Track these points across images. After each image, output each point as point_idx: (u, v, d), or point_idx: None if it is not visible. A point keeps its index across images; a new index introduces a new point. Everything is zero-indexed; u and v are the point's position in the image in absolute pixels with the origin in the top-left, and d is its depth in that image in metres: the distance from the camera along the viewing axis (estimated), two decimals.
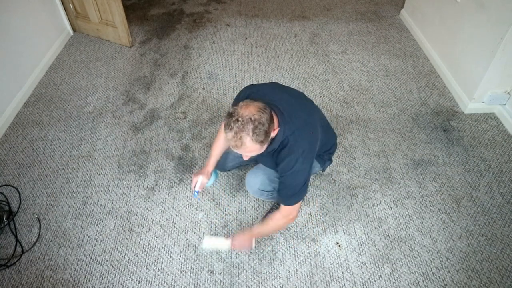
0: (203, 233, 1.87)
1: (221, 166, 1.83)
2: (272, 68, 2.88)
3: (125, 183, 2.10)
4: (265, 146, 1.29)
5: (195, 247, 1.81)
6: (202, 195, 2.02)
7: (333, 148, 1.74)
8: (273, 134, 1.30)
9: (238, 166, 1.95)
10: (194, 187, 1.67)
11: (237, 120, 1.18)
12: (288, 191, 1.41)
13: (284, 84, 1.59)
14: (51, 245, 1.84)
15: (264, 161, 1.61)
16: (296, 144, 1.34)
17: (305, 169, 1.38)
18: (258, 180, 1.62)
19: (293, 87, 2.85)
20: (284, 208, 1.46)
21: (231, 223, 1.90)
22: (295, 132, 1.34)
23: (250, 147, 1.22)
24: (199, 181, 1.66)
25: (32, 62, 2.78)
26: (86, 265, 1.76)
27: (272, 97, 1.40)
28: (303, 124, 1.38)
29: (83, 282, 1.70)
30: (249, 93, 1.46)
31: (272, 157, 1.44)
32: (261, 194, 1.65)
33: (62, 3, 3.15)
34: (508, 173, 2.07)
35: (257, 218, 1.92)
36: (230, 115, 1.22)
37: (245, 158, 1.37)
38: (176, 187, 2.08)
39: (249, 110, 1.20)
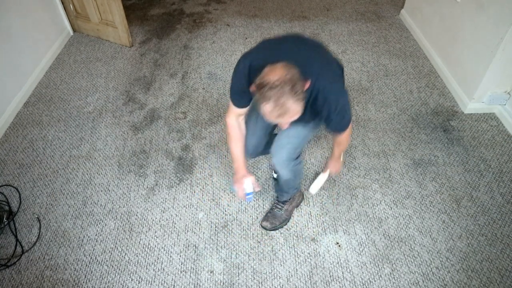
0: (309, 185, 1.95)
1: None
2: None
3: (125, 183, 2.10)
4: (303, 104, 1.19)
5: (195, 247, 1.81)
6: (202, 195, 2.02)
7: None
8: (306, 87, 1.19)
9: (261, 151, 1.80)
10: (244, 192, 1.57)
11: (272, 87, 1.08)
12: (344, 122, 1.39)
13: (273, 38, 1.47)
14: (51, 245, 1.84)
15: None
16: (327, 87, 1.26)
17: (345, 96, 1.33)
18: (284, 151, 1.57)
19: None
20: (344, 133, 1.46)
21: (231, 223, 1.90)
22: (319, 77, 1.24)
23: (294, 110, 1.13)
24: (247, 183, 1.55)
25: (32, 62, 2.78)
26: (86, 265, 1.76)
27: (276, 56, 1.25)
28: (321, 66, 1.30)
29: (83, 282, 1.70)
30: (250, 63, 1.32)
31: (306, 111, 1.31)
32: (288, 164, 1.59)
33: (62, 3, 3.15)
34: (508, 173, 2.07)
35: (257, 218, 1.92)
36: (260, 86, 1.11)
37: (285, 127, 1.28)
38: (176, 187, 2.08)
39: (277, 72, 1.11)
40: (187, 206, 1.99)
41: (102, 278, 1.71)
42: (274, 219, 1.87)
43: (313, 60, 1.30)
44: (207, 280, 1.70)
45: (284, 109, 1.11)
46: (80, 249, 1.82)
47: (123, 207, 1.99)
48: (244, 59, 1.36)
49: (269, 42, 1.42)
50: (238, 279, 1.69)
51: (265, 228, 1.86)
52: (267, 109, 1.12)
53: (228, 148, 2.26)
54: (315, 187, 1.86)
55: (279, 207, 1.88)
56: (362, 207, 1.95)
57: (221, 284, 1.68)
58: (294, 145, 1.59)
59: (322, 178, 1.86)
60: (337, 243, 1.81)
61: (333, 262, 1.74)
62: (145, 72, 2.90)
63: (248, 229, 1.88)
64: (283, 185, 1.78)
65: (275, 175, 2.03)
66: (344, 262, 1.74)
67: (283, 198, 1.88)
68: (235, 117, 1.51)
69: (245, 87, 1.35)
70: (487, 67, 2.22)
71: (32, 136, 2.38)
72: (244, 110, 1.50)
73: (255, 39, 3.22)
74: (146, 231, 1.88)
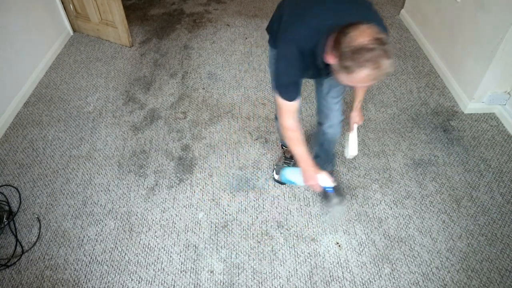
0: (345, 147, 1.86)
1: None
2: None
3: (125, 183, 2.10)
4: None
5: (195, 247, 1.81)
6: (202, 195, 2.03)
7: None
8: None
9: None
10: (321, 187, 1.54)
11: (369, 50, 1.03)
12: None
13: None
14: (51, 245, 1.84)
15: None
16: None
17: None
18: (339, 111, 1.64)
19: None
20: None
21: (231, 223, 1.90)
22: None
23: (389, 68, 1.08)
24: (323, 178, 1.50)
25: (32, 62, 2.78)
26: (86, 265, 1.76)
27: (323, 27, 1.17)
28: (366, 14, 1.27)
29: (83, 282, 1.70)
30: (299, 48, 1.23)
31: None
32: (342, 121, 1.71)
33: (62, 3, 3.15)
34: (508, 173, 2.08)
35: (257, 218, 1.92)
36: (354, 51, 1.05)
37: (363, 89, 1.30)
38: (176, 187, 2.08)
39: (366, 34, 1.05)
40: (187, 206, 1.99)
41: (102, 278, 1.71)
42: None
43: (355, 11, 1.25)
44: (207, 280, 1.70)
45: (382, 70, 1.06)
46: (80, 249, 1.82)
47: (123, 207, 1.99)
48: (290, 47, 1.26)
49: (295, 16, 1.29)
50: (238, 279, 1.69)
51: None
52: (363, 74, 1.06)
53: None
54: (353, 149, 1.79)
55: None
56: (362, 207, 1.95)
57: (221, 284, 1.68)
58: (341, 101, 1.66)
59: (353, 137, 1.78)
60: (337, 243, 1.81)
61: (333, 262, 1.74)
62: (145, 72, 2.90)
63: (248, 229, 1.88)
64: (331, 149, 1.85)
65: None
66: (344, 262, 1.74)
67: (329, 169, 1.96)
68: (292, 115, 1.40)
69: (299, 76, 1.32)
70: (487, 67, 2.22)
71: (32, 136, 2.38)
72: (299, 102, 1.41)
73: (255, 39, 3.22)
74: (146, 231, 1.88)
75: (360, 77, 1.07)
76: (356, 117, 1.75)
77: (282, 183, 2.05)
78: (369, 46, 1.03)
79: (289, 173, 1.69)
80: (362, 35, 1.04)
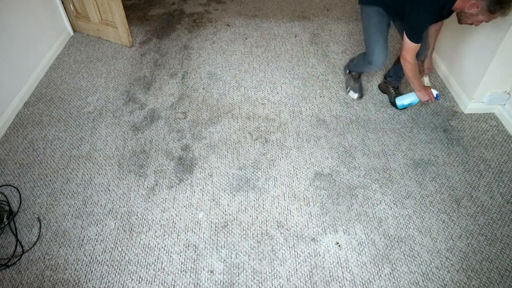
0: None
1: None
2: (272, 68, 2.89)
3: (125, 183, 2.10)
4: None
5: (195, 247, 1.82)
6: (202, 195, 2.03)
7: None
8: None
9: None
10: (433, 95, 2.17)
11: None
12: None
13: None
14: (51, 245, 1.84)
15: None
16: None
17: None
18: None
19: (293, 87, 2.86)
20: None
21: (231, 223, 1.91)
22: None
23: None
24: (434, 91, 2.17)
25: (32, 62, 2.78)
26: (86, 265, 1.76)
27: None
28: None
29: (83, 282, 1.70)
30: (439, 2, 1.77)
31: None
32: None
33: (62, 3, 3.15)
34: (507, 173, 2.08)
35: (257, 218, 1.92)
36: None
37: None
38: (176, 187, 2.08)
39: None
40: (187, 206, 1.99)
41: (102, 278, 1.72)
42: None
43: None
44: (207, 280, 1.70)
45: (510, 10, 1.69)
46: (80, 249, 1.82)
47: (123, 207, 1.99)
48: (434, 4, 1.78)
49: None
50: (238, 279, 1.70)
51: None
52: (501, 14, 1.67)
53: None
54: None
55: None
56: (362, 207, 1.95)
57: (221, 284, 1.68)
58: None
59: (427, 80, 2.38)
60: (337, 243, 1.81)
61: (333, 262, 1.74)
62: (145, 72, 2.90)
63: (248, 229, 1.88)
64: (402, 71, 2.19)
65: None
66: (344, 262, 1.74)
67: (398, 84, 2.53)
68: (415, 54, 1.95)
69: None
70: (487, 67, 2.22)
71: (32, 136, 2.39)
72: None
73: (255, 39, 3.22)
74: (146, 231, 1.88)
75: (497, 16, 1.67)
76: (429, 63, 2.31)
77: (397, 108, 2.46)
78: None
79: (407, 99, 2.29)
80: None
